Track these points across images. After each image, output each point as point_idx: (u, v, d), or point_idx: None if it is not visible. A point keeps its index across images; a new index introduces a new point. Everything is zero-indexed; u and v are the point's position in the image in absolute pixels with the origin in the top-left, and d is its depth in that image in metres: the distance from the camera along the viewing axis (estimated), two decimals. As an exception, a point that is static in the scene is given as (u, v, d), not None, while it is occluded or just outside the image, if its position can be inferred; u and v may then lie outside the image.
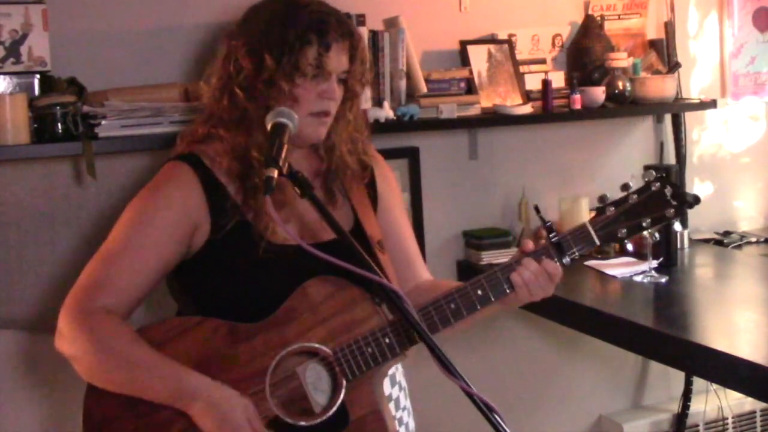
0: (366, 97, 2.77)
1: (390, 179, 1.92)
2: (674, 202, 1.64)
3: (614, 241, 1.67)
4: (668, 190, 1.64)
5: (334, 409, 1.61)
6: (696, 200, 1.66)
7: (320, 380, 1.64)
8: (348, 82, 1.74)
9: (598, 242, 1.65)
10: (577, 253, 1.66)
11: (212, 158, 1.70)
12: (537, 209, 1.73)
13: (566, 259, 1.65)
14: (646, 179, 1.66)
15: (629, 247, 1.69)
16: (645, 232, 1.68)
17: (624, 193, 1.66)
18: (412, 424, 1.89)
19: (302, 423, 1.60)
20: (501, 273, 1.66)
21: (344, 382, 1.62)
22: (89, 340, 1.59)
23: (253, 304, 1.64)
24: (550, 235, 1.65)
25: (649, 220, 1.64)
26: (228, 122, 1.70)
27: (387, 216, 1.88)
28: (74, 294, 1.64)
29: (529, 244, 1.68)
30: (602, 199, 1.67)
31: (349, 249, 1.48)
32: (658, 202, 1.64)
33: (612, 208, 1.65)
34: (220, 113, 1.71)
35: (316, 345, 1.62)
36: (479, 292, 1.65)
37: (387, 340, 1.62)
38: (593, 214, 1.70)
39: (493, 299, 1.66)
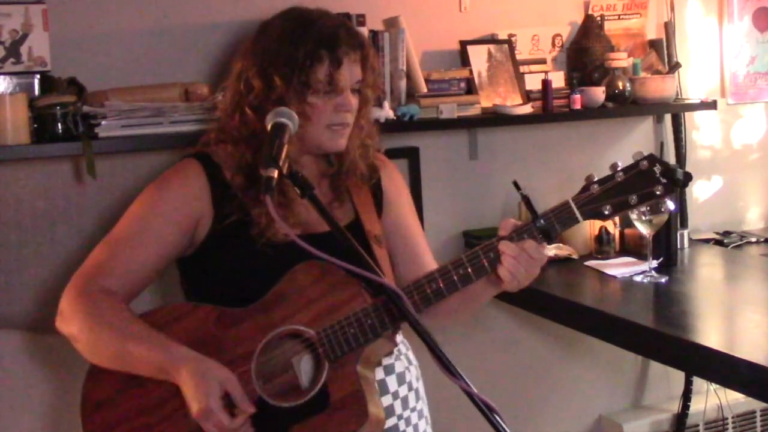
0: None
1: (396, 179, 1.96)
2: (663, 180, 1.56)
3: (599, 218, 1.61)
4: (657, 168, 1.56)
5: (316, 390, 1.62)
6: (687, 177, 1.58)
7: (306, 364, 1.66)
8: (361, 91, 1.77)
9: (581, 219, 1.61)
10: (559, 230, 1.62)
11: (222, 159, 1.76)
12: (516, 185, 1.68)
13: (549, 236, 1.62)
14: (635, 158, 1.60)
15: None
16: (633, 210, 1.62)
17: (611, 172, 1.61)
18: (422, 427, 1.88)
19: (284, 404, 1.62)
20: (483, 253, 1.63)
21: (326, 364, 1.62)
22: (87, 316, 1.66)
23: (250, 295, 1.67)
24: (531, 212, 1.63)
25: (635, 197, 1.58)
26: (237, 138, 1.74)
27: (395, 212, 1.91)
28: (78, 276, 1.71)
29: (510, 222, 1.65)
30: (588, 177, 1.63)
31: (347, 244, 1.51)
32: (646, 180, 1.57)
33: (597, 186, 1.61)
34: (231, 129, 1.75)
35: (301, 327, 1.64)
36: (461, 271, 1.63)
37: (369, 321, 1.63)
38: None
39: (474, 279, 1.63)
